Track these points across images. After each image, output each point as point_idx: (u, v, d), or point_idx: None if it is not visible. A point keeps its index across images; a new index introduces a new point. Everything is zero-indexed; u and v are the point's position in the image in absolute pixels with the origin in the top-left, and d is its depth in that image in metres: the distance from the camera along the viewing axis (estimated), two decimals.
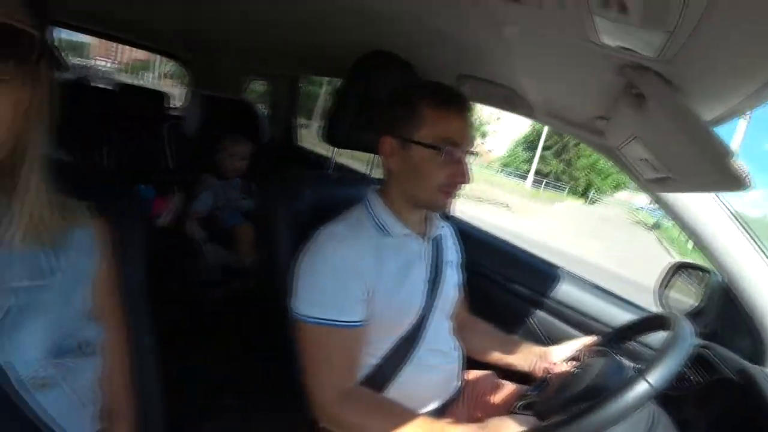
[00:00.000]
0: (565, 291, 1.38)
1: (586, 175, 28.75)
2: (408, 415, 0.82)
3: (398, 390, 0.95)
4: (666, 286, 1.23)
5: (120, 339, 0.61)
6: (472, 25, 0.87)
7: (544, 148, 27.96)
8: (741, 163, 0.50)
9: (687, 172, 0.64)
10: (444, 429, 0.81)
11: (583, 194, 29.45)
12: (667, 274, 1.24)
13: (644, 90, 0.57)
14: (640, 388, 0.63)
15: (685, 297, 1.22)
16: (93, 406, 0.56)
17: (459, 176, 0.90)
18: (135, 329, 0.64)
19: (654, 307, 1.20)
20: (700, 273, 1.19)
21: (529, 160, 29.06)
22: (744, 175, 0.50)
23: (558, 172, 29.47)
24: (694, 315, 1.17)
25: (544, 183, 28.21)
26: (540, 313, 1.41)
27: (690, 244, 1.26)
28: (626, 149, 0.85)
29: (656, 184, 0.84)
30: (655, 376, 0.64)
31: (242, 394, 1.03)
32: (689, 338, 0.72)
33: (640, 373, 0.65)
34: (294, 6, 1.18)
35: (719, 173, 0.52)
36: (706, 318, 1.12)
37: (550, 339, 1.23)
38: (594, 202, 29.25)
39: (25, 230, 0.48)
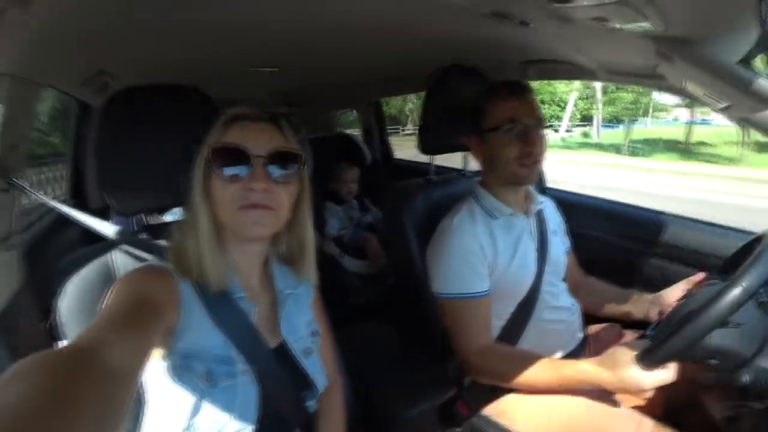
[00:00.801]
0: (671, 232, 1.40)
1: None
2: (537, 358, 0.98)
3: (527, 344, 1.13)
4: None
5: (327, 329, 0.93)
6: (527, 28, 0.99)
7: None
8: (763, 85, 0.60)
9: (734, 100, 0.73)
10: (566, 364, 0.95)
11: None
12: None
13: (667, 49, 0.69)
14: (736, 290, 0.68)
15: None
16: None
17: (529, 146, 1.05)
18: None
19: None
20: None
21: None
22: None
23: None
24: None
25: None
26: (652, 261, 1.44)
27: None
28: (689, 88, 0.92)
29: (728, 111, 0.89)
30: (750, 280, 0.68)
31: (397, 362, 1.30)
32: None
33: (736, 280, 0.69)
34: (371, 40, 1.37)
35: (748, 98, 0.62)
36: None
37: (666, 283, 1.20)
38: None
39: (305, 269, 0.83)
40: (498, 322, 1.14)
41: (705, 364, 0.76)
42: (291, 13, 1.03)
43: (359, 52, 1.58)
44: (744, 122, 0.88)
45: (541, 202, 1.23)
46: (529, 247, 1.16)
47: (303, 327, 0.83)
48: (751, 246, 0.95)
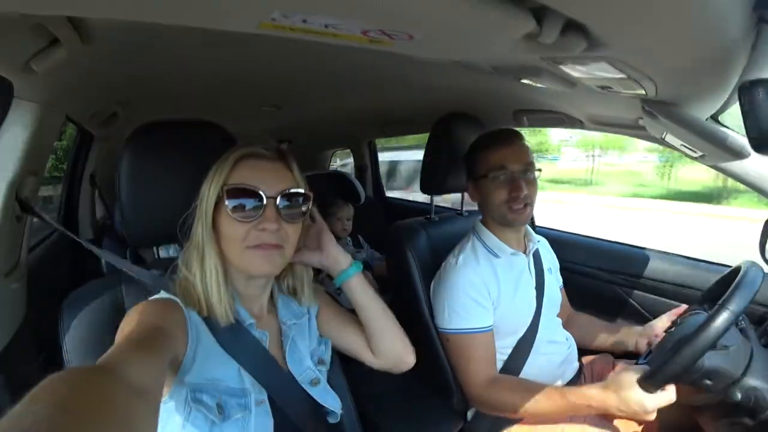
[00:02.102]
0: (653, 267, 1.49)
1: None
2: (542, 387, 1.02)
3: (527, 376, 1.17)
4: (766, 240, 1.30)
5: (341, 311, 0.94)
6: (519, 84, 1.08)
7: None
8: (735, 138, 0.70)
9: (708, 151, 0.84)
10: (571, 391, 0.99)
11: None
12: (763, 230, 1.31)
13: (651, 108, 0.80)
14: (724, 314, 0.75)
15: None
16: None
17: (516, 191, 1.12)
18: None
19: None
20: None
21: None
22: (737, 147, 0.70)
23: None
24: None
25: None
26: (637, 293, 1.52)
27: None
28: (668, 139, 1.04)
29: (703, 159, 1.01)
30: (734, 304, 0.75)
31: (402, 396, 1.30)
32: (757, 272, 0.84)
33: (723, 305, 0.76)
34: (371, 87, 1.45)
35: (719, 148, 0.72)
36: None
37: (652, 314, 1.30)
38: None
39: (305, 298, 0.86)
40: (500, 356, 1.18)
41: (700, 384, 0.83)
42: (296, 56, 1.08)
43: (358, 96, 1.66)
44: (717, 168, 1.00)
45: (538, 241, 1.30)
46: (529, 285, 1.22)
47: (308, 357, 0.83)
48: (728, 278, 1.01)
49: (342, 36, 0.52)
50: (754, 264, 0.88)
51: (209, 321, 0.71)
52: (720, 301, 0.79)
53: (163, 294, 0.74)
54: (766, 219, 1.31)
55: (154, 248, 0.89)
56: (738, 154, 0.76)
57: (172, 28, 0.81)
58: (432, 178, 1.38)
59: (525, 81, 0.87)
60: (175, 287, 0.72)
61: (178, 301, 0.70)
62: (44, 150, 1.00)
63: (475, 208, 1.31)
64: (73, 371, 0.45)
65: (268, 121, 2.27)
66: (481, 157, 1.18)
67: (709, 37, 0.46)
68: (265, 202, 0.70)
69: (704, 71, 0.59)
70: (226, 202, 0.70)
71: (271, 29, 0.50)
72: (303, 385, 0.79)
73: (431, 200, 1.47)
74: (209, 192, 0.71)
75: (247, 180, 0.71)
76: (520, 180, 1.13)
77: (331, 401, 0.83)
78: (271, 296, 0.84)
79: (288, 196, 0.73)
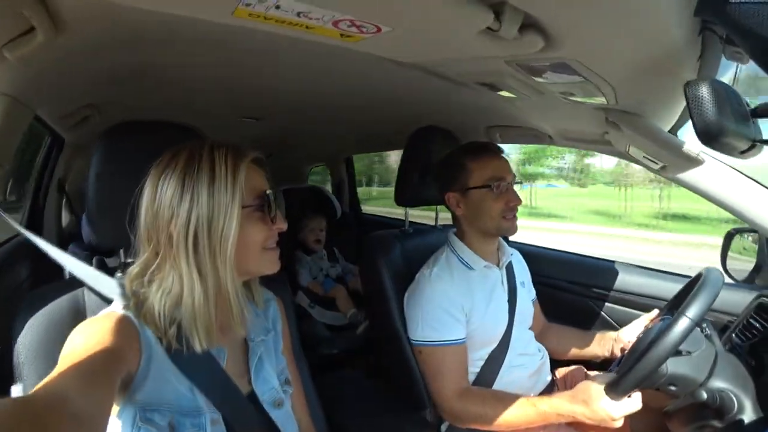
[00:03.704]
0: (622, 279, 1.54)
1: None
2: (514, 398, 1.02)
3: (499, 387, 1.16)
4: (726, 253, 1.34)
5: (297, 377, 0.91)
6: (494, 95, 1.11)
7: None
8: (691, 149, 0.75)
9: (668, 161, 0.89)
10: (542, 400, 0.99)
11: None
12: (724, 243, 1.36)
13: (614, 119, 0.85)
14: (682, 321, 0.77)
15: (749, 258, 1.32)
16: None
17: (512, 201, 1.15)
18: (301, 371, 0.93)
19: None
20: (751, 234, 1.30)
21: None
22: (695, 155, 0.74)
23: None
24: (756, 272, 1.26)
25: None
26: (608, 305, 1.56)
27: None
28: (632, 151, 1.09)
29: (664, 171, 1.06)
30: (693, 311, 0.77)
31: (374, 409, 1.26)
32: (717, 278, 0.85)
33: (681, 312, 0.78)
34: (349, 101, 1.47)
35: (680, 158, 0.76)
36: (765, 272, 1.21)
37: (621, 326, 1.28)
38: None
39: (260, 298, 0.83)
40: (472, 369, 1.17)
41: (665, 390, 0.84)
42: (276, 69, 1.09)
43: (335, 111, 1.69)
44: (676, 181, 1.05)
45: (511, 254, 1.31)
46: (502, 298, 1.22)
47: (274, 376, 0.80)
48: (692, 284, 1.03)
49: (314, 28, 0.53)
50: (713, 270, 0.90)
51: (164, 341, 0.66)
52: (679, 309, 0.80)
53: (115, 308, 0.68)
54: (726, 232, 1.38)
55: (121, 252, 0.84)
56: (695, 161, 0.81)
57: (152, 29, 0.82)
58: (406, 190, 1.40)
59: (495, 91, 0.91)
60: (132, 303, 0.67)
61: (131, 315, 0.65)
62: (9, 143, 0.97)
63: (449, 221, 1.32)
64: (10, 402, 0.42)
65: (248, 133, 2.27)
66: (476, 168, 1.17)
67: (656, 38, 0.50)
68: (275, 204, 0.71)
69: (657, 77, 0.63)
70: (260, 209, 0.69)
71: (246, 18, 0.51)
72: (265, 406, 0.76)
73: (405, 213, 1.48)
74: (228, 200, 0.65)
75: (259, 184, 0.70)
76: (514, 190, 1.16)
77: (290, 430, 0.80)
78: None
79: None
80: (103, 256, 0.86)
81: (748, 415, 0.79)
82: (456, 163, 1.21)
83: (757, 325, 0.99)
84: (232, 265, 0.66)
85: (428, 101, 1.37)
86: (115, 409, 0.62)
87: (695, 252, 8.53)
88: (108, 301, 0.72)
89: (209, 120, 1.83)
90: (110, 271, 0.78)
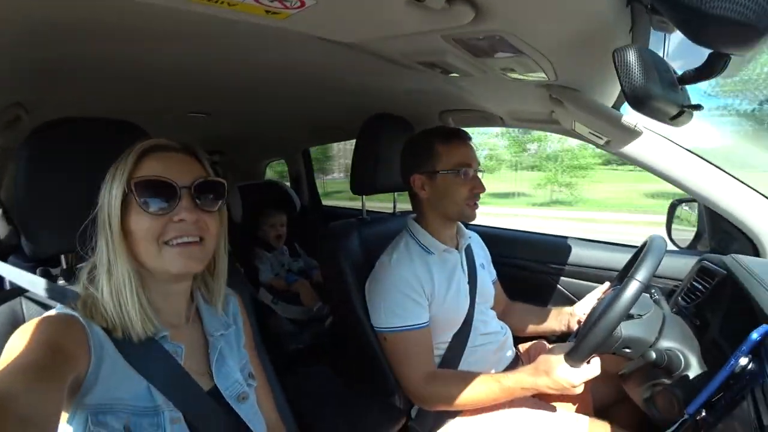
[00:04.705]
0: (576, 254, 1.60)
1: None
2: (477, 376, 1.03)
3: (465, 367, 1.19)
4: (671, 223, 1.42)
5: (261, 372, 0.89)
6: (445, 79, 1.10)
7: None
8: (629, 120, 0.77)
9: (610, 135, 0.91)
10: (506, 376, 1.01)
11: None
12: (668, 213, 1.44)
13: (557, 95, 0.86)
14: (632, 284, 0.80)
15: (690, 227, 1.40)
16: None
17: (477, 188, 1.15)
18: (264, 366, 0.91)
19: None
20: (690, 204, 1.38)
21: None
22: (633, 126, 0.76)
23: None
24: (697, 238, 1.35)
25: None
26: (564, 279, 1.62)
27: None
28: (578, 128, 1.12)
29: (608, 146, 1.10)
30: (641, 274, 0.80)
31: (342, 399, 1.25)
32: (660, 243, 0.89)
33: (630, 276, 0.81)
34: (301, 91, 1.42)
35: (621, 131, 0.78)
36: (705, 238, 1.29)
37: (578, 298, 1.34)
38: None
39: (219, 298, 0.80)
40: (437, 351, 1.18)
41: (621, 353, 0.88)
42: (220, 60, 1.04)
43: (289, 100, 1.63)
44: (621, 155, 1.08)
45: (469, 237, 1.33)
46: (462, 280, 1.23)
47: (237, 371, 0.78)
48: (639, 253, 1.07)
49: (237, 5, 0.49)
50: (657, 237, 0.94)
51: (115, 335, 0.63)
52: (629, 274, 0.83)
53: (60, 309, 0.65)
54: (671, 202, 1.46)
55: (62, 257, 0.79)
56: (634, 134, 0.83)
57: (87, 19, 0.74)
58: (362, 178, 1.38)
59: (444, 74, 0.90)
60: (76, 303, 0.65)
61: (78, 315, 0.62)
62: None
63: (408, 207, 1.31)
64: None
65: (199, 131, 2.17)
66: (444, 152, 1.16)
67: (584, 9, 0.50)
68: (179, 192, 0.65)
69: (591, 50, 0.64)
70: (137, 197, 0.63)
71: None
72: (230, 401, 0.73)
73: (362, 201, 1.47)
74: (111, 192, 0.64)
75: (157, 172, 0.65)
76: (479, 178, 1.17)
77: (257, 425, 0.77)
78: (193, 304, 0.78)
79: (202, 185, 0.68)
80: (47, 267, 0.80)
81: (694, 371, 0.84)
82: (425, 146, 1.20)
83: (700, 287, 1.06)
84: (124, 255, 0.64)
85: (379, 88, 1.35)
86: (65, 416, 0.58)
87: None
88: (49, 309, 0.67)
89: (153, 116, 1.73)
90: (54, 280, 0.75)
